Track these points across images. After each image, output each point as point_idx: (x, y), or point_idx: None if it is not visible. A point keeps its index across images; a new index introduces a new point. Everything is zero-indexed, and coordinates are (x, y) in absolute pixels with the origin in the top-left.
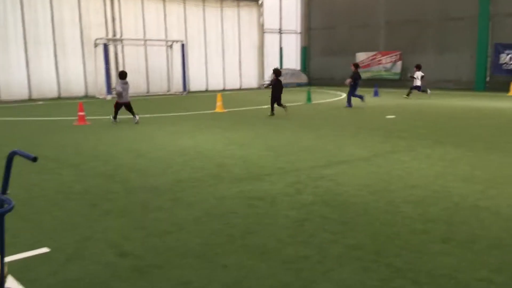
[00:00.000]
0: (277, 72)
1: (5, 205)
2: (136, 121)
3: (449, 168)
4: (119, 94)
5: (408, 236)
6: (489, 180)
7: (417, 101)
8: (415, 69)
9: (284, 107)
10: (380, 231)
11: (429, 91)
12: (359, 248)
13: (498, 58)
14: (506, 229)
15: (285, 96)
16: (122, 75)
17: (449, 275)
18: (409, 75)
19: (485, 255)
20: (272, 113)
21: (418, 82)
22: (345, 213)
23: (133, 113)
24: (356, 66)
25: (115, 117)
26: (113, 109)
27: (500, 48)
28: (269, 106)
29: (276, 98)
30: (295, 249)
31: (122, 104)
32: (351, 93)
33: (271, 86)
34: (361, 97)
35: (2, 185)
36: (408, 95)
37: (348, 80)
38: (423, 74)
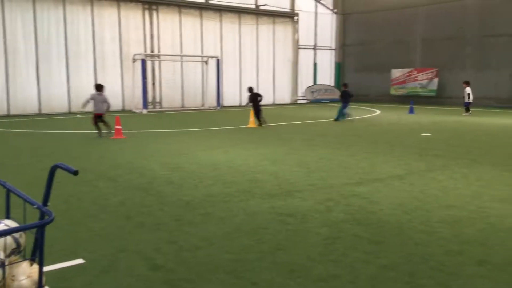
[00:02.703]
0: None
1: (46, 217)
2: (104, 134)
3: (486, 188)
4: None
5: (443, 257)
6: None
7: (453, 118)
8: (464, 85)
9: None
10: (414, 251)
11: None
12: (392, 268)
13: None
14: None
15: (319, 112)
16: (98, 87)
17: None
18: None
19: None
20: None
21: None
22: (378, 232)
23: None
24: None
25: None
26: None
27: None
28: (302, 122)
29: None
30: (325, 268)
31: (96, 115)
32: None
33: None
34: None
35: (44, 197)
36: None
37: None
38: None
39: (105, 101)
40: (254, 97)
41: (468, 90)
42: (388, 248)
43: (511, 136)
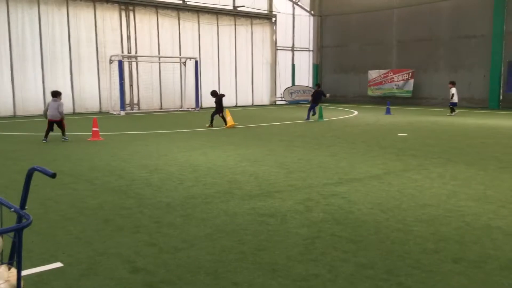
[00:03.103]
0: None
1: (24, 220)
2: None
3: (462, 187)
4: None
5: (420, 255)
6: (501, 199)
7: (429, 119)
8: (450, 85)
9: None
10: (391, 250)
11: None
12: (370, 267)
13: (511, 76)
14: None
15: (297, 113)
16: (53, 94)
17: None
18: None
19: (497, 276)
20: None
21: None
22: (357, 231)
23: (63, 132)
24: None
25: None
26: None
27: None
28: (281, 123)
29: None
30: (305, 267)
31: (52, 122)
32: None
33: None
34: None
35: (21, 200)
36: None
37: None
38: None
39: (57, 108)
40: (220, 99)
41: (453, 90)
42: (366, 246)
43: (485, 136)
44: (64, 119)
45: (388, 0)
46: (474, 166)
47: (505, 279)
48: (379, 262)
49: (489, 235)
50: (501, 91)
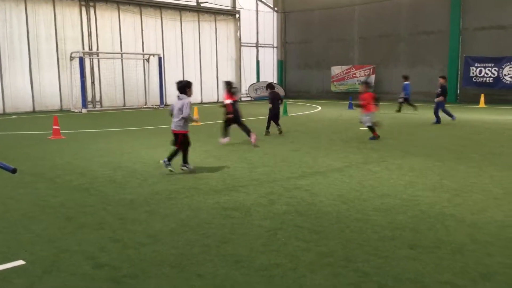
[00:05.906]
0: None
1: None
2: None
3: (419, 178)
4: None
5: (377, 242)
6: (455, 189)
7: (390, 114)
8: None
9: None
10: (350, 238)
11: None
12: (330, 255)
13: (468, 71)
14: (469, 235)
15: (261, 109)
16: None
17: (414, 279)
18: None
19: (449, 260)
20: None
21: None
22: (318, 222)
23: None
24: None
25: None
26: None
27: (470, 61)
28: (246, 119)
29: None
30: (268, 258)
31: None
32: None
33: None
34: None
35: None
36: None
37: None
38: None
39: (180, 108)
40: (276, 97)
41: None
42: (326, 236)
43: (442, 129)
44: (183, 134)
45: None
46: (431, 158)
47: (456, 262)
48: (339, 250)
49: (442, 222)
50: (458, 85)
